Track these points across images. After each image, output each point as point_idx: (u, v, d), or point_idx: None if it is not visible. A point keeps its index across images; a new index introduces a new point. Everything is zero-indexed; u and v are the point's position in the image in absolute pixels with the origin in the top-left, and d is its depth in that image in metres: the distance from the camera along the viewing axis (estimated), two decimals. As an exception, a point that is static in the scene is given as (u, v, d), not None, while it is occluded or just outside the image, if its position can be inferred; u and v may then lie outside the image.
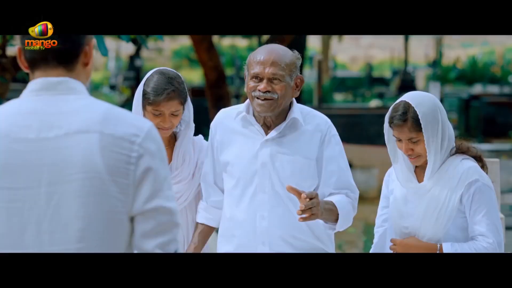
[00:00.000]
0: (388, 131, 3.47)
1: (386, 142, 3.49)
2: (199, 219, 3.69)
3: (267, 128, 3.52)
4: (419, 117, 3.36)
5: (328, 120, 3.58)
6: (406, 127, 3.38)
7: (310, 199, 3.24)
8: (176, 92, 3.56)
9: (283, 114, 3.50)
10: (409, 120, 3.37)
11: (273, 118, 3.49)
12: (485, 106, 19.48)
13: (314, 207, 3.25)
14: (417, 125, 3.37)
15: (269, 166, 3.46)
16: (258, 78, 3.44)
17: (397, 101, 3.47)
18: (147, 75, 3.64)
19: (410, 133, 3.38)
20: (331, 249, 3.61)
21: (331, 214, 3.41)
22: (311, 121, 3.53)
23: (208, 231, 3.69)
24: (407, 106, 3.40)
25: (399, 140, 3.42)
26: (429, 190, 3.42)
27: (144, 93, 3.58)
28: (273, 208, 3.46)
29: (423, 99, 3.42)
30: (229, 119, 3.58)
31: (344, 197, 3.50)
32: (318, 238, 3.52)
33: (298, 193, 3.26)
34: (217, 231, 3.74)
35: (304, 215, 3.24)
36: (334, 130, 3.57)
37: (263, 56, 3.45)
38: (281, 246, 3.46)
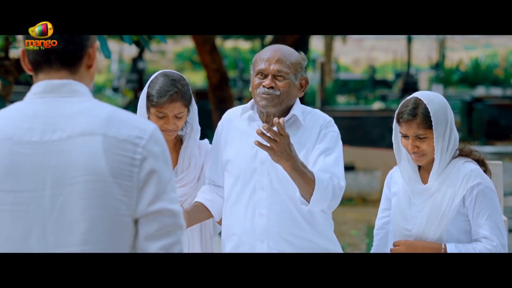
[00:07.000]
0: (395, 128, 3.46)
1: (393, 139, 3.48)
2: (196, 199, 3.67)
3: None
4: (430, 114, 3.35)
5: (329, 118, 3.56)
6: (415, 123, 3.37)
7: (281, 135, 3.20)
8: (179, 94, 3.58)
9: (285, 113, 3.51)
10: (419, 116, 3.36)
11: (276, 115, 3.50)
12: (488, 109, 19.45)
13: (280, 143, 3.20)
14: (426, 121, 3.36)
15: (267, 164, 3.46)
16: (263, 74, 3.47)
17: (407, 98, 3.46)
18: (151, 78, 3.66)
19: (418, 129, 3.37)
20: (335, 245, 3.56)
21: (306, 180, 3.29)
22: (312, 120, 3.53)
23: (201, 207, 3.64)
24: (418, 102, 3.39)
25: (405, 137, 3.41)
26: (433, 193, 3.41)
27: (148, 95, 3.61)
28: (271, 206, 3.46)
29: (434, 98, 3.42)
30: (235, 117, 3.61)
31: (325, 176, 3.36)
32: (320, 234, 3.50)
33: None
34: (220, 234, 3.74)
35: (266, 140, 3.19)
36: (333, 127, 3.52)
37: (269, 53, 3.49)
38: (279, 244, 3.45)
